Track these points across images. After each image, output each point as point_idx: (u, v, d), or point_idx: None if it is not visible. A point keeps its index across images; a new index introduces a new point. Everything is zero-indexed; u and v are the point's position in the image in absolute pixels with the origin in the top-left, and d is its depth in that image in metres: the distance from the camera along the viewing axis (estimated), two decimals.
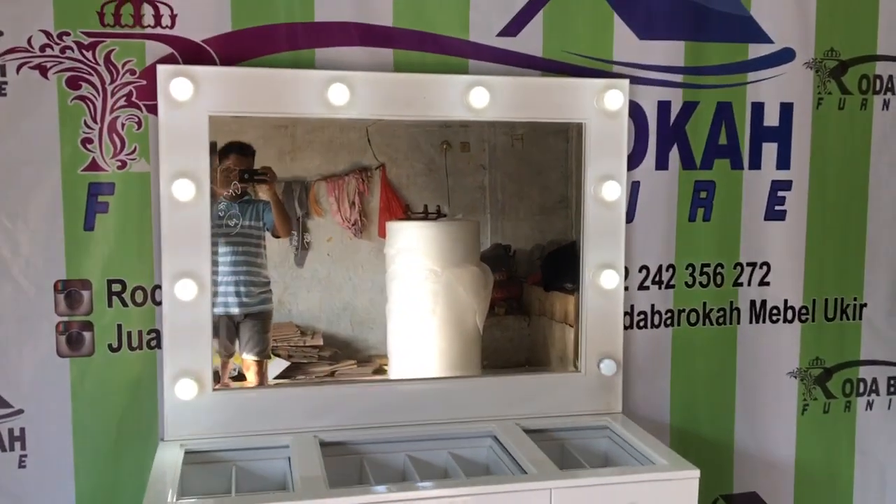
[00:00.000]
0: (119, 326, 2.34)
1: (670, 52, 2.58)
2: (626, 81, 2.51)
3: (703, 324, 2.71)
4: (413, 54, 2.44)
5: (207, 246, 2.31)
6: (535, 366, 5.12)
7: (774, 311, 2.75)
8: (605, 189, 2.50)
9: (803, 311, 2.76)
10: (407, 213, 5.11)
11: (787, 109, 2.67)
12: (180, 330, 2.31)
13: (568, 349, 5.19)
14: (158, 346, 2.36)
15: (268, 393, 2.46)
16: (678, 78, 2.59)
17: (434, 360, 4.67)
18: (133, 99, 2.28)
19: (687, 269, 2.68)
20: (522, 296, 5.66)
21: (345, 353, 5.21)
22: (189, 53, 2.29)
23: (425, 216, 5.15)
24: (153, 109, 2.28)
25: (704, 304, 2.71)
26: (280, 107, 2.34)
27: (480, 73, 2.46)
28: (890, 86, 2.72)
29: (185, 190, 2.26)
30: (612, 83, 2.49)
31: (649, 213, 2.62)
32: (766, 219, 2.71)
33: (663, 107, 2.60)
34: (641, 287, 2.65)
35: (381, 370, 5.01)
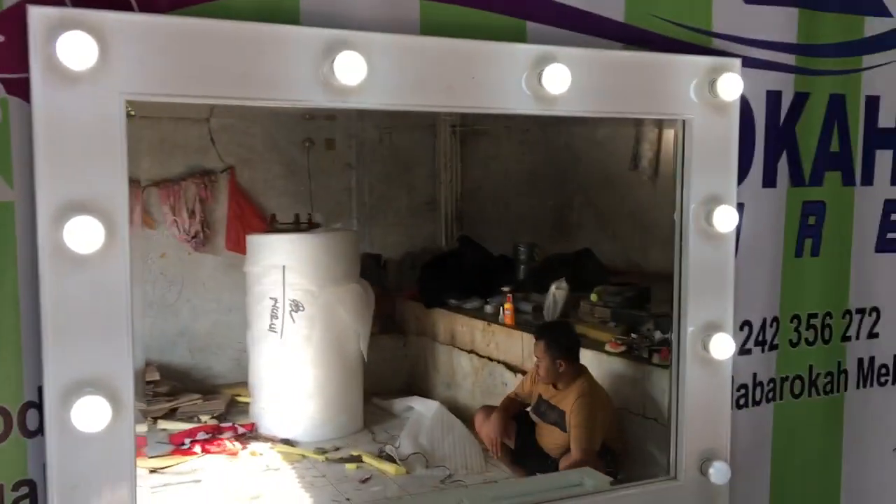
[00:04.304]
0: None
1: (782, 21, 1.85)
2: (738, 62, 1.74)
3: (809, 394, 2.01)
4: (448, 9, 1.55)
5: (127, 330, 1.31)
6: (417, 393, 4.38)
7: (883, 371, 2.10)
8: (718, 217, 1.72)
9: None
10: (272, 224, 4.19)
11: None
12: (83, 480, 1.29)
13: (457, 375, 4.47)
14: None
15: None
16: (790, 59, 1.87)
17: (312, 392, 3.82)
18: None
19: (792, 321, 1.97)
20: (395, 312, 4.89)
21: (185, 386, 4.20)
22: None
23: (296, 226, 4.25)
24: (20, 88, 1.26)
25: (811, 367, 2.01)
26: (246, 88, 1.38)
27: (542, 43, 1.60)
28: None
29: (88, 234, 1.25)
30: (723, 64, 1.72)
31: (755, 249, 1.88)
32: (877, 250, 2.04)
33: (772, 99, 1.87)
34: (743, 351, 1.90)
35: (234, 403, 4.07)
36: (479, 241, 4.69)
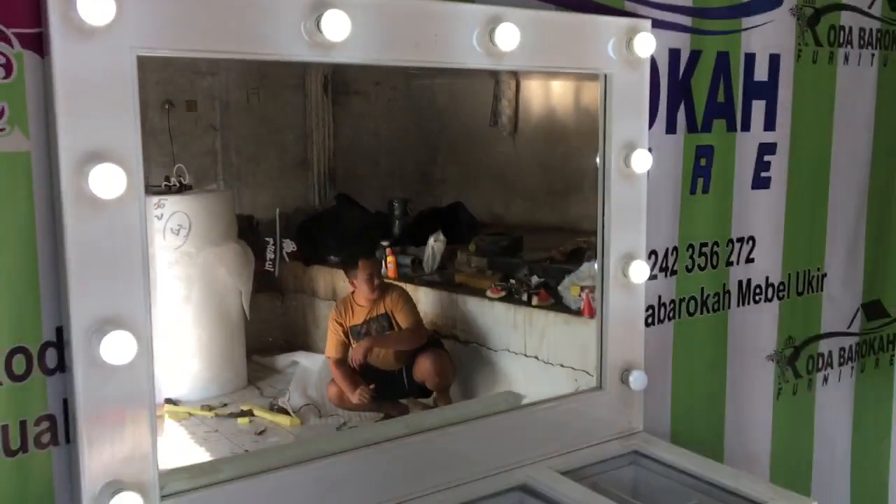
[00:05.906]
0: None
1: None
2: (649, 23, 1.99)
3: (701, 312, 2.33)
4: None
5: (144, 270, 1.41)
6: (298, 348, 4.52)
7: (757, 291, 2.45)
8: (635, 159, 1.98)
9: (781, 287, 2.50)
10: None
11: (774, 62, 2.34)
12: (108, 409, 1.39)
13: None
14: (55, 441, 1.41)
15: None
16: (687, 21, 2.14)
17: (195, 351, 3.87)
18: None
19: (688, 250, 2.27)
20: (272, 271, 4.95)
21: None
22: None
23: (168, 189, 4.24)
24: (33, 43, 1.32)
25: (702, 289, 2.32)
26: (241, 42, 1.49)
27: (487, 3, 1.78)
28: (850, 39, 2.51)
29: (110, 181, 1.34)
30: (638, 24, 1.96)
31: (659, 188, 2.15)
32: (753, 187, 2.37)
33: (674, 56, 2.13)
34: (651, 277, 2.18)
35: None
36: (355, 198, 4.79)
